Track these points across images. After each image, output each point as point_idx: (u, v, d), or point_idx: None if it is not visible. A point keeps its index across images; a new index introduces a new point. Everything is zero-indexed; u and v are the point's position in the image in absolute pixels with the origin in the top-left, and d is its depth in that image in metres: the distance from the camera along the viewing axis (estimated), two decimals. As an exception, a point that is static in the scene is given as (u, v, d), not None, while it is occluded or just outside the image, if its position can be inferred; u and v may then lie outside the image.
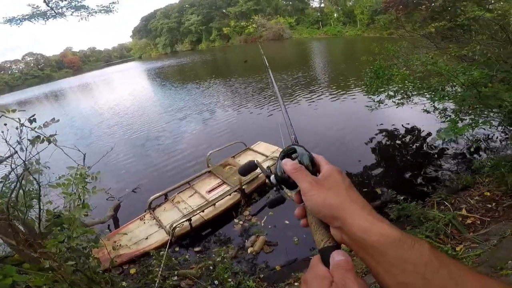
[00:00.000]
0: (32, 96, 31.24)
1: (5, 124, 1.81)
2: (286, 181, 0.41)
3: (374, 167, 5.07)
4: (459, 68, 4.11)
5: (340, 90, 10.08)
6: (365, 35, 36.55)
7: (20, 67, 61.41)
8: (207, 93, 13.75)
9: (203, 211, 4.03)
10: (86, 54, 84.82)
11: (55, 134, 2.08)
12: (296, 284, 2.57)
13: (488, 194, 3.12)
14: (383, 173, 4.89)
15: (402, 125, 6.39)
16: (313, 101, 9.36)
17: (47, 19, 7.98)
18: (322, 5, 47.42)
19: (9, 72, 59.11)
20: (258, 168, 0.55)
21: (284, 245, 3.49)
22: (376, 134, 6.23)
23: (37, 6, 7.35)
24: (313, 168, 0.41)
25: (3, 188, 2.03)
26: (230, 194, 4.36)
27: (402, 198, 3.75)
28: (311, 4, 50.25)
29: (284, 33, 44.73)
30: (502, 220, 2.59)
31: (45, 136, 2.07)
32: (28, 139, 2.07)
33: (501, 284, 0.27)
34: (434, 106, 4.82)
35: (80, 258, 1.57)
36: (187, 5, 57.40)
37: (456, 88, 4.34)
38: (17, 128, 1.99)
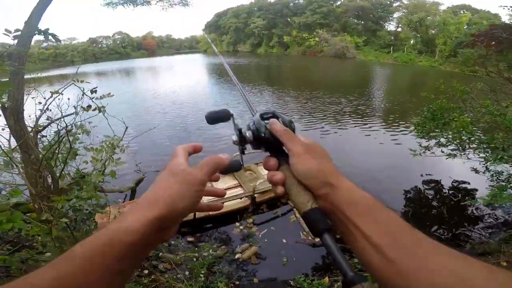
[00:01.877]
0: (108, 69, 35.78)
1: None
2: (265, 141, 0.37)
3: (402, 213, 4.64)
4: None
5: (389, 125, 9.36)
6: (441, 68, 32.54)
7: (109, 43, 71.84)
8: (254, 96, 14.16)
9: (211, 205, 4.16)
10: (162, 40, 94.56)
11: (104, 106, 2.46)
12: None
13: (505, 264, 2.75)
14: (411, 220, 4.46)
15: (440, 179, 5.61)
16: (364, 131, 8.91)
17: (136, 6, 9.81)
18: (399, 29, 43.36)
19: (99, 45, 69.67)
20: (231, 120, 0.44)
21: (272, 262, 3.46)
22: (413, 180, 5.66)
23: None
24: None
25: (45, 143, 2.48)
26: (241, 198, 4.43)
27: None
28: (386, 27, 46.28)
29: (348, 52, 42.62)
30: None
31: (97, 106, 2.47)
32: (82, 106, 2.49)
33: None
34: (486, 166, 4.19)
35: (76, 219, 1.81)
36: (255, 8, 59.80)
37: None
38: (83, 95, 2.42)
